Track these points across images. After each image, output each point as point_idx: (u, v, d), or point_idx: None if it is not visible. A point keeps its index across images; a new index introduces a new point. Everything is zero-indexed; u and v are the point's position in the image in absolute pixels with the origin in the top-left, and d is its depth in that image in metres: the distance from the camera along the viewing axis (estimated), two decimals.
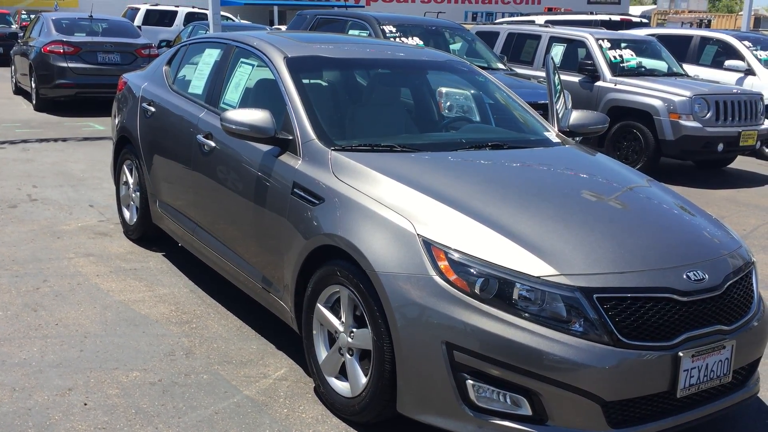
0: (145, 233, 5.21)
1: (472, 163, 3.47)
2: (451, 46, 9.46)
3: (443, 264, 2.73)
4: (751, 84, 10.23)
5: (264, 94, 4.01)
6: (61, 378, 3.35)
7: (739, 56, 10.60)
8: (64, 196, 6.58)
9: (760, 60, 10.53)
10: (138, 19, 20.78)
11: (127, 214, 5.40)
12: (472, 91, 4.54)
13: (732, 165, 9.64)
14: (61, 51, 11.60)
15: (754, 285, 3.08)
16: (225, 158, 3.98)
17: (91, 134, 9.93)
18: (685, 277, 2.76)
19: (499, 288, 2.65)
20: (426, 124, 4.28)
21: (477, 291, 2.66)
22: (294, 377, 3.47)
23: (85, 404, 3.14)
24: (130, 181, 5.28)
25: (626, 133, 8.79)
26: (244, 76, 4.17)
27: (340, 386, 3.14)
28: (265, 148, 3.63)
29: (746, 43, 10.79)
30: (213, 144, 4.07)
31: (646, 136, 8.55)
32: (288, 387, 3.38)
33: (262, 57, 4.03)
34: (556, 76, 5.92)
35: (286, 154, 3.53)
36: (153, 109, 4.91)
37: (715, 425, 3.19)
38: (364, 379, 3.00)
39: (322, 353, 3.23)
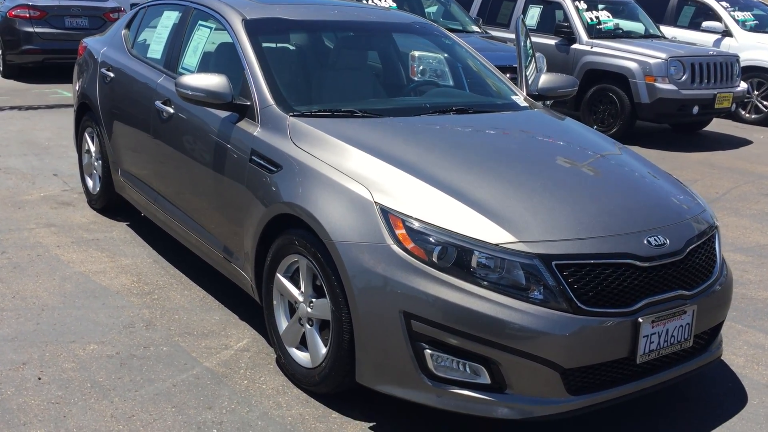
0: (109, 203, 5.09)
1: (435, 129, 3.39)
2: (427, 9, 9.29)
3: (400, 232, 2.66)
4: (728, 45, 10.18)
5: (223, 58, 3.89)
6: (16, 352, 3.27)
7: (716, 17, 10.52)
8: (28, 165, 6.43)
9: (737, 21, 10.46)
10: None
11: (90, 183, 5.28)
12: (446, 55, 4.43)
13: (708, 128, 9.62)
14: (27, 15, 11.25)
15: (717, 249, 3.05)
16: (183, 125, 3.86)
17: (59, 101, 9.69)
18: (645, 242, 2.71)
19: (457, 256, 2.59)
20: (390, 89, 4.18)
21: (435, 259, 2.60)
22: (256, 348, 3.42)
23: (39, 378, 3.07)
24: (92, 149, 5.15)
25: (602, 96, 8.72)
26: (202, 39, 4.04)
27: (301, 357, 3.09)
28: (222, 114, 3.52)
29: (724, 3, 10.71)
30: (171, 110, 3.95)
31: (622, 100, 8.49)
32: (249, 358, 3.33)
33: (220, 19, 3.90)
34: (528, 40, 5.82)
35: (244, 121, 3.43)
36: (112, 74, 4.76)
37: (678, 389, 3.19)
38: (324, 350, 2.95)
39: (283, 323, 3.17)
